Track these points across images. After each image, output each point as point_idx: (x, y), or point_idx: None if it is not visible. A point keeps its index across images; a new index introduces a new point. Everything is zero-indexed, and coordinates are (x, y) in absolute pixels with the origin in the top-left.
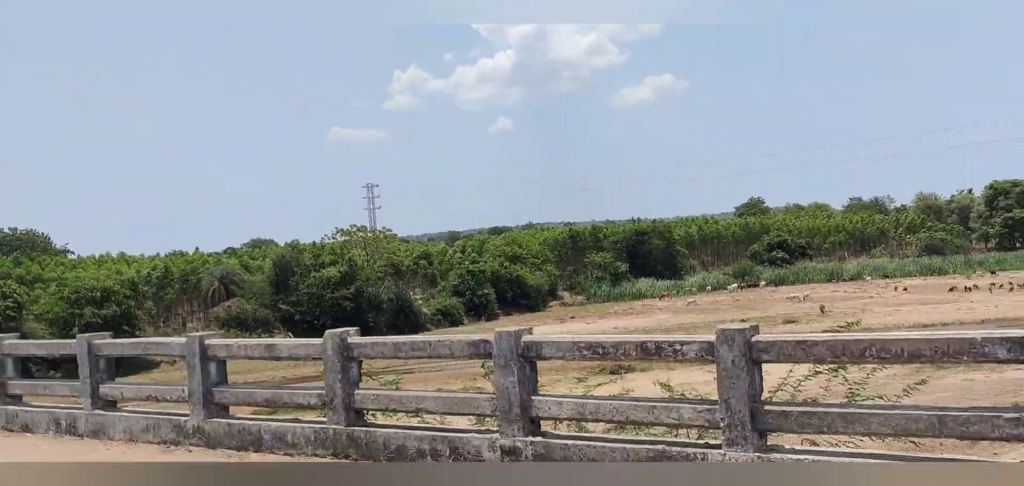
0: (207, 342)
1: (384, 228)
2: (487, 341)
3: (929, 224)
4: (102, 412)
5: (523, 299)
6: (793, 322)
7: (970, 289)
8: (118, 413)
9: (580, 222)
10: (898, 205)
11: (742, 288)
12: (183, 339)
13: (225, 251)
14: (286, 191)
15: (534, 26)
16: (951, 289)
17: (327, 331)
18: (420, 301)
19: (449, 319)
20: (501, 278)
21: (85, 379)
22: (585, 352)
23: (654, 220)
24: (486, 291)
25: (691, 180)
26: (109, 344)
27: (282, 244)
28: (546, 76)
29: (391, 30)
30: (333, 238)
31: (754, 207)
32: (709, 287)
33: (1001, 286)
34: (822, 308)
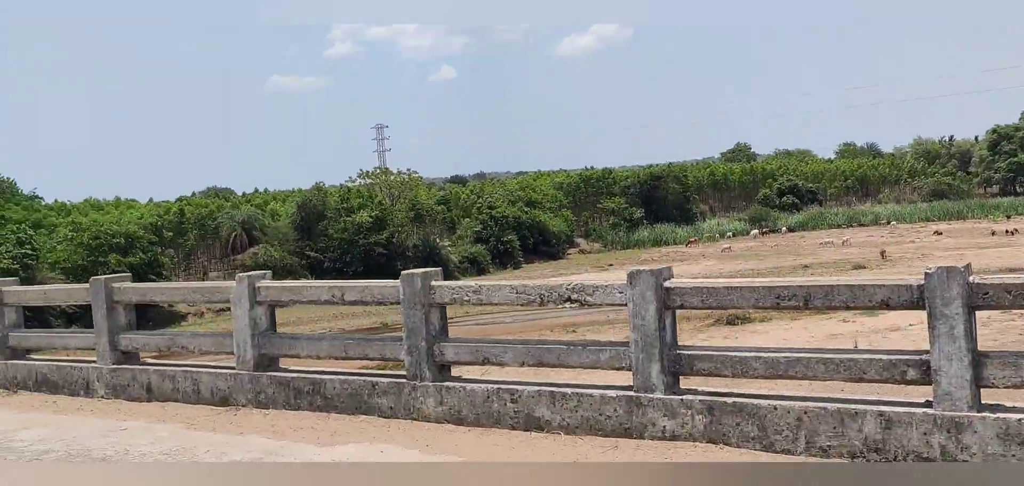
0: (259, 285)
1: (410, 169)
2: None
3: (931, 169)
4: (124, 367)
5: (544, 246)
6: (862, 267)
7: (1011, 233)
8: (138, 367)
9: (531, 171)
10: (887, 150)
11: (763, 233)
12: (230, 283)
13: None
14: (229, 139)
15: None
16: (993, 233)
17: (404, 271)
18: (447, 247)
19: (476, 267)
20: (522, 224)
21: (103, 330)
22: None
23: (669, 164)
24: (510, 238)
25: (655, 126)
26: (133, 288)
27: (240, 193)
28: (489, 24)
29: None
30: (355, 181)
31: (742, 153)
32: (729, 233)
33: None
34: (883, 253)
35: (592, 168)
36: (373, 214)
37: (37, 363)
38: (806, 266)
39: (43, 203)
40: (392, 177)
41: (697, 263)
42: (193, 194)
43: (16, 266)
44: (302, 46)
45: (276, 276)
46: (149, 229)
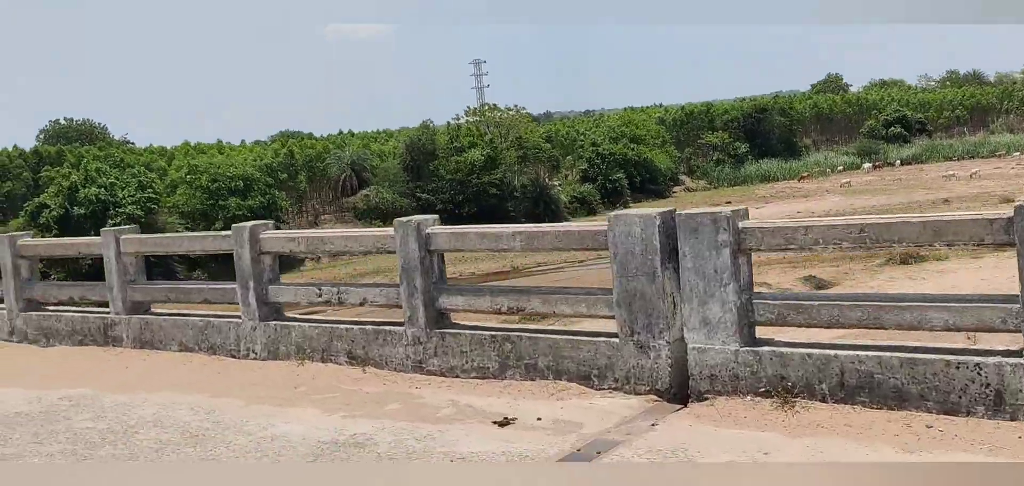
0: (428, 232)
1: (517, 106)
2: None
3: None
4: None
5: (651, 184)
6: (1010, 200)
7: None
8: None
9: (599, 110)
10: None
11: (876, 167)
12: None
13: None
14: (294, 84)
15: None
16: None
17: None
18: (556, 187)
19: (586, 207)
20: (629, 161)
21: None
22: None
23: (776, 95)
24: (618, 176)
25: (734, 59)
26: (275, 237)
27: (318, 136)
28: None
29: None
30: (462, 119)
31: (833, 84)
32: (841, 167)
33: None
34: None
35: (661, 106)
36: (485, 153)
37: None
38: (946, 201)
39: (137, 147)
40: (500, 114)
41: (822, 199)
42: (294, 134)
43: (140, 211)
44: None
45: (388, 219)
46: (264, 171)
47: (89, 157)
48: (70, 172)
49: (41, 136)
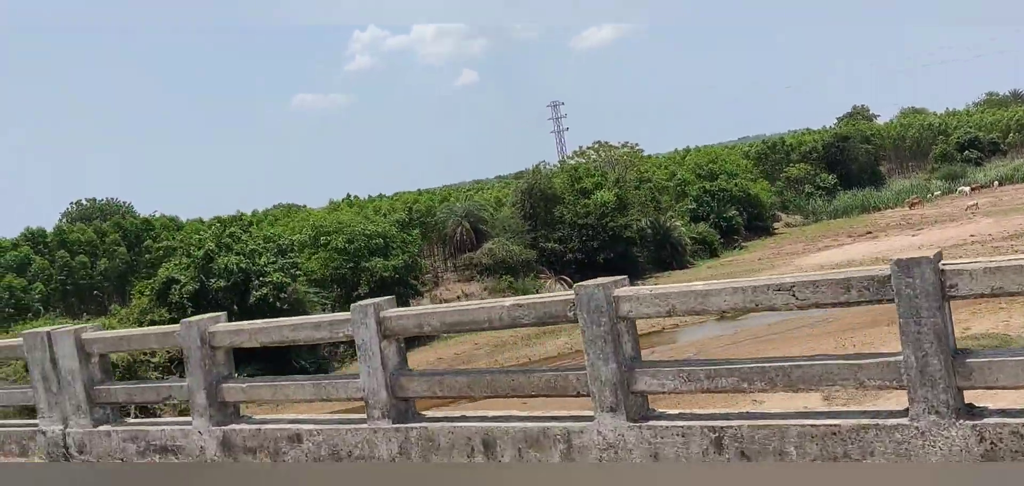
0: None
1: (631, 143)
2: None
3: None
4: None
5: (757, 221)
6: None
7: None
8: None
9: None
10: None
11: (973, 190)
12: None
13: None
14: (264, 157)
15: None
16: None
17: None
18: (680, 228)
19: (706, 247)
20: (736, 198)
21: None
22: None
23: (853, 121)
24: (732, 214)
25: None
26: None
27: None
28: (507, 24)
29: None
30: (573, 159)
31: (860, 115)
32: (937, 192)
33: None
34: None
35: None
36: (614, 193)
37: None
38: None
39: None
40: (615, 152)
41: (976, 223)
42: (291, 206)
43: (287, 280)
44: (325, 61)
45: (517, 274)
46: (399, 228)
47: (214, 227)
48: (203, 240)
49: (64, 218)
